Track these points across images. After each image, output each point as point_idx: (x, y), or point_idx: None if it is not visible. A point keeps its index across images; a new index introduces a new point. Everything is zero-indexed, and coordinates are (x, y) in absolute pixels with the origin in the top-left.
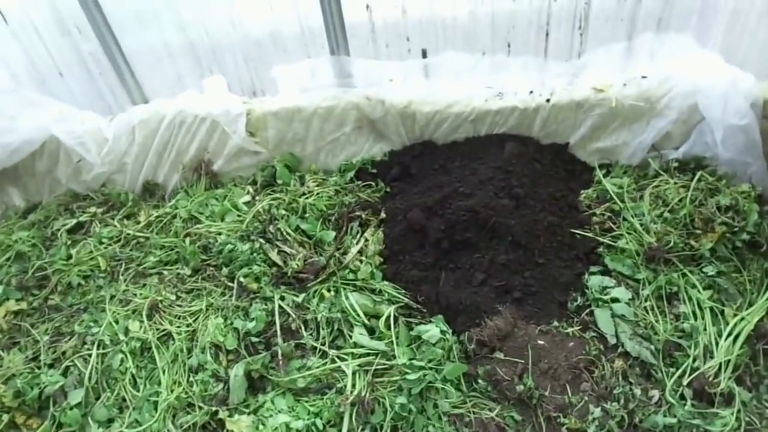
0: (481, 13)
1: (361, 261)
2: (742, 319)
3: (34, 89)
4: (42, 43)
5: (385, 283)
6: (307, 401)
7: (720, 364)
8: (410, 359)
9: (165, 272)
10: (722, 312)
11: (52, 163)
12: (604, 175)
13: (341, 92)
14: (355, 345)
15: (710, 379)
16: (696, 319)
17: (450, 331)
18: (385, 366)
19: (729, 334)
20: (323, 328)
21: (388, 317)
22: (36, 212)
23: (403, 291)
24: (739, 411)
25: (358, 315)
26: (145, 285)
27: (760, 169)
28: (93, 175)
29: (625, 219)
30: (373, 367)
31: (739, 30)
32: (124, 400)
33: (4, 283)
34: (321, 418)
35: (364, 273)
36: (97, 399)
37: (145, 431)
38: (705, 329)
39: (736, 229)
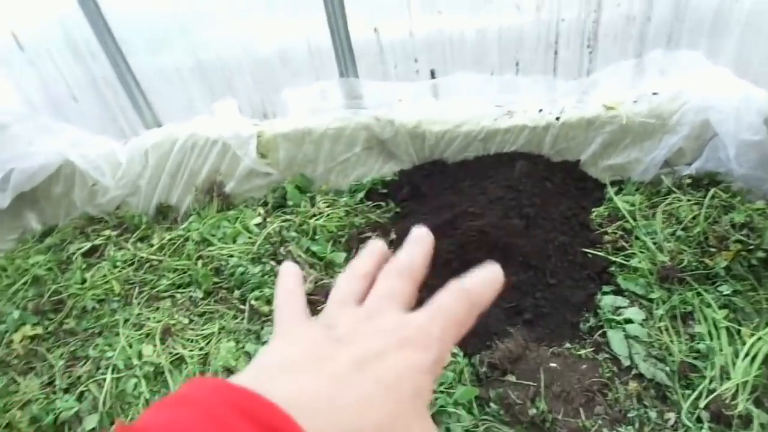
0: (489, 31)
1: None
2: (760, 338)
3: (49, 114)
4: (56, 69)
5: None
6: None
7: (737, 385)
8: None
9: (178, 295)
10: (739, 332)
11: (68, 186)
12: (616, 192)
13: (351, 113)
14: None
15: (727, 401)
16: (712, 339)
17: (461, 353)
18: None
19: (746, 355)
20: None
21: None
22: (52, 236)
23: None
24: None
25: None
26: (158, 308)
27: None
28: (108, 198)
29: (637, 237)
30: None
31: (752, 46)
32: None
33: (20, 307)
34: None
35: None
36: (112, 424)
37: None
38: (721, 349)
39: (751, 246)
